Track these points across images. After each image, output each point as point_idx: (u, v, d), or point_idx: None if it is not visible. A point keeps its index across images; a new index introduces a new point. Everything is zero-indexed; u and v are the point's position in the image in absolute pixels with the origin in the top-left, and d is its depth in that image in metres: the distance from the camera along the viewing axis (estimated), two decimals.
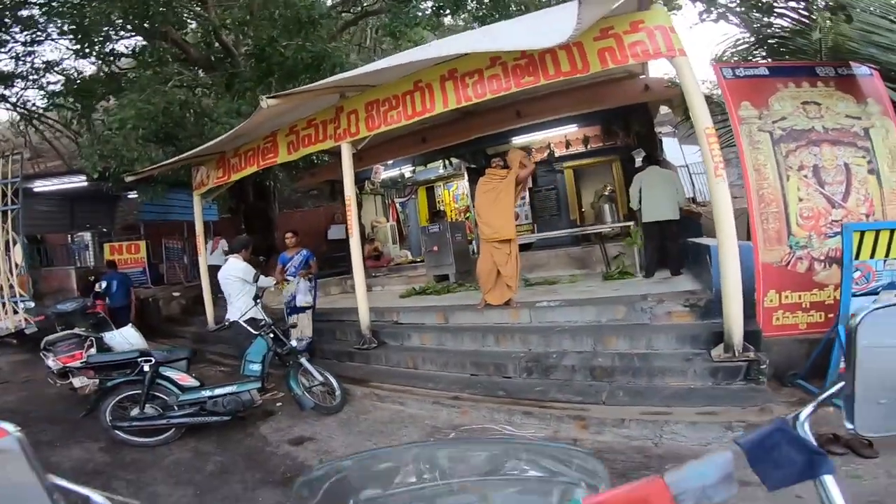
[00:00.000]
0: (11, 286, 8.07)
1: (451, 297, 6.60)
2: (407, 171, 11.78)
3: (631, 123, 8.26)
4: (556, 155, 9.42)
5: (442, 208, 11.91)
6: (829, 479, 0.68)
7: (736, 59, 5.26)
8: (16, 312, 7.97)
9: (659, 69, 7.81)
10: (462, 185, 11.83)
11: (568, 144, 9.26)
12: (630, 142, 8.23)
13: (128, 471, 3.69)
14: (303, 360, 4.53)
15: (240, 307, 4.96)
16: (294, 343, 4.60)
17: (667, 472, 0.66)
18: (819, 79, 4.15)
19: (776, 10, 4.95)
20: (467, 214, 10.79)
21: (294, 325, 5.46)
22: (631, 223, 6.93)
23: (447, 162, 10.83)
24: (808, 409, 0.70)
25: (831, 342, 3.36)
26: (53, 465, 3.85)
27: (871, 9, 4.45)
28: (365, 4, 11.86)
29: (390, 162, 10.53)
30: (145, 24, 9.31)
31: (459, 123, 8.25)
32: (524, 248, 7.19)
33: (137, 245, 10.28)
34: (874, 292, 3.37)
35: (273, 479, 3.38)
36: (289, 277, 5.99)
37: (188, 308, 9.14)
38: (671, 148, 8.57)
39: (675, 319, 4.47)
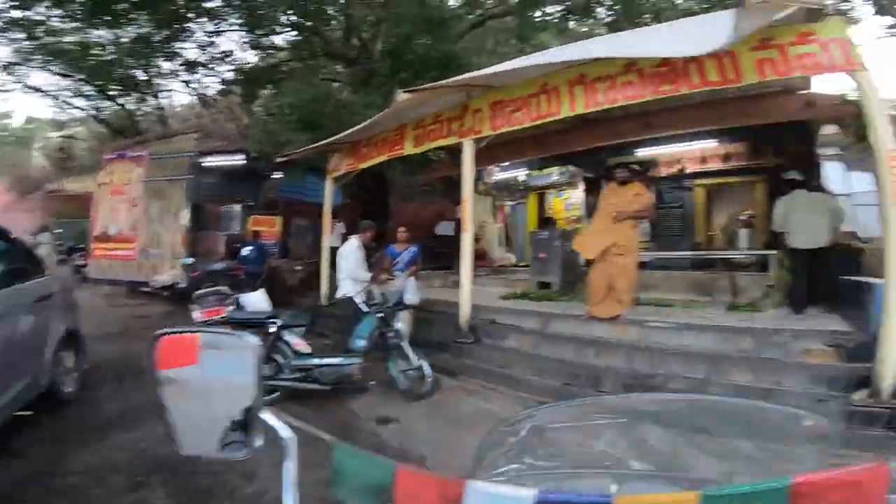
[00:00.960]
0: (174, 246, 9.63)
1: (552, 304, 6.40)
2: (521, 174, 11.72)
3: (786, 142, 7.26)
4: (688, 171, 8.67)
5: (552, 215, 11.64)
6: None
7: None
8: (173, 268, 9.44)
9: (825, 84, 6.76)
10: (575, 194, 11.47)
11: (703, 160, 8.48)
12: (782, 162, 7.17)
13: None
14: (403, 344, 4.66)
15: (349, 285, 5.30)
16: (399, 326, 4.77)
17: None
18: None
19: None
20: (577, 225, 10.41)
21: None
22: (773, 252, 6.11)
23: (564, 169, 10.56)
24: None
25: None
26: None
27: None
28: (489, 7, 12.13)
29: (506, 164, 10.55)
30: (303, 20, 10.52)
31: (582, 131, 7.96)
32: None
33: (273, 220, 11.54)
34: None
35: None
36: (396, 272, 6.05)
37: (306, 282, 10.02)
38: (834, 173, 7.41)
39: (811, 358, 3.93)
